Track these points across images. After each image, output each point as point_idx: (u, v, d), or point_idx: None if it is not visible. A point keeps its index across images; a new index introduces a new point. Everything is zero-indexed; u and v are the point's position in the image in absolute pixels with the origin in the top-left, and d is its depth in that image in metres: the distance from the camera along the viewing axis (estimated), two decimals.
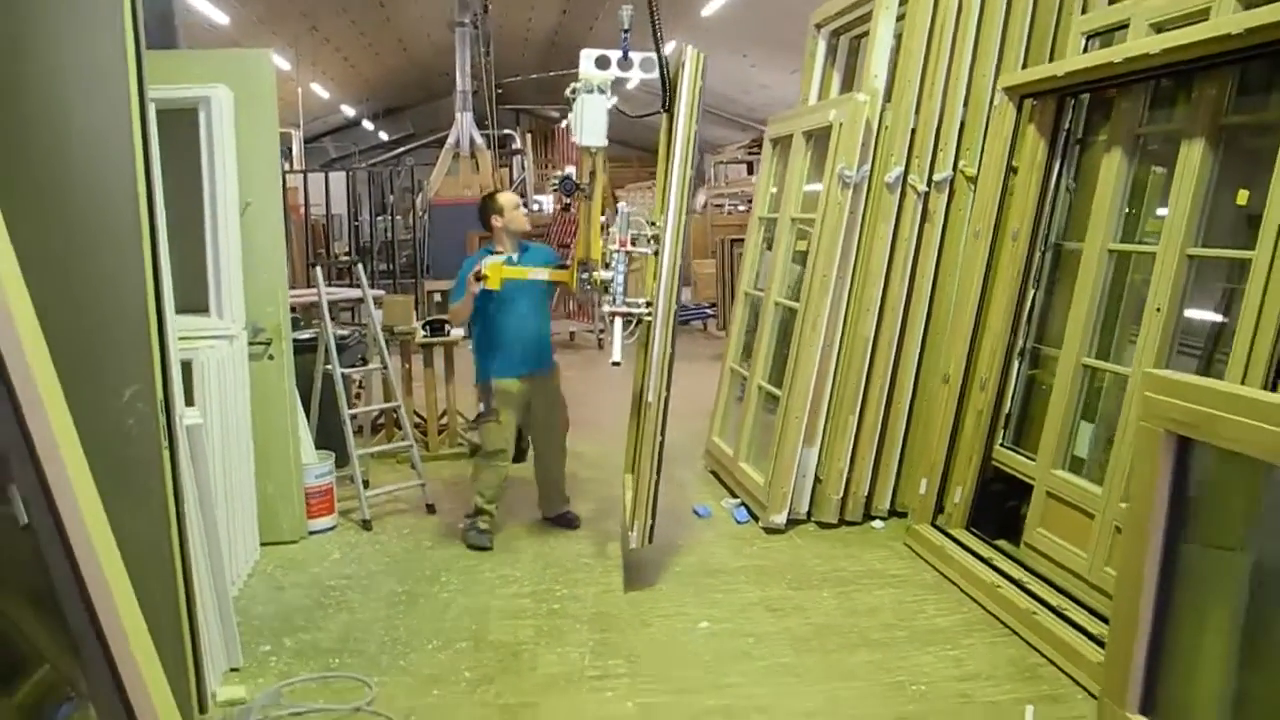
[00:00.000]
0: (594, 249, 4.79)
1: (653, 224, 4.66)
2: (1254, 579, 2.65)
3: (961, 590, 4.52)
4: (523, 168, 19.41)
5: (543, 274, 5.06)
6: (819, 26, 6.23)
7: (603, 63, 4.46)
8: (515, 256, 5.14)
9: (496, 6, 16.39)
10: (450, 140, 15.37)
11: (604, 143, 4.54)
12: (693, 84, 4.31)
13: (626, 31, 4.46)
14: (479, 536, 5.21)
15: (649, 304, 4.49)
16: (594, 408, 5.61)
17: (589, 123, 4.47)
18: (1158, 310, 3.94)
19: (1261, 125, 3.67)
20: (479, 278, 4.93)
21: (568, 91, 4.55)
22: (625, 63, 4.44)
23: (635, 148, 23.92)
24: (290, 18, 15.82)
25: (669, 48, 4.43)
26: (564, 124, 19.44)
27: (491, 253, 5.16)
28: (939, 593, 4.55)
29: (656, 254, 4.48)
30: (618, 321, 4.61)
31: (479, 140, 15.35)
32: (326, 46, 18.55)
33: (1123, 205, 4.41)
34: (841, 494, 5.42)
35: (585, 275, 4.83)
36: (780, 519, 5.34)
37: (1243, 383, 3.35)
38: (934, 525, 5.09)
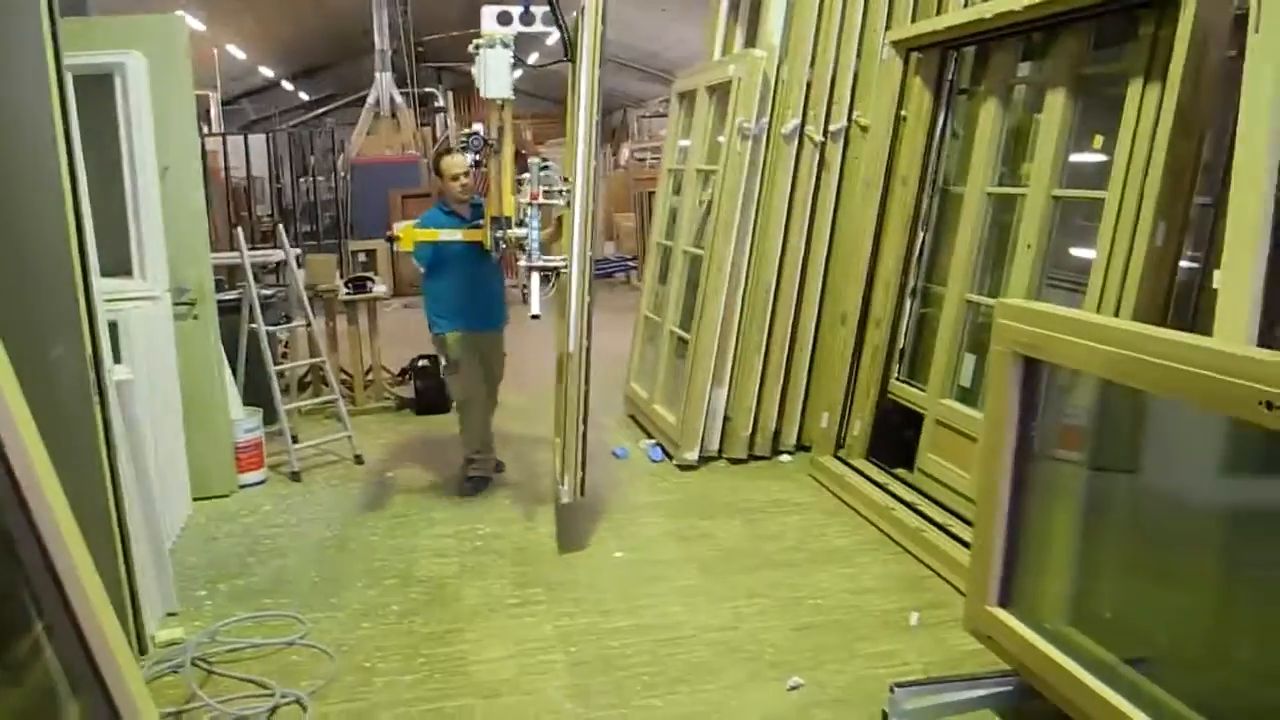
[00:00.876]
0: (506, 205, 4.81)
1: (565, 178, 4.69)
2: (1090, 486, 2.99)
3: (859, 514, 4.86)
4: (445, 125, 19.40)
5: (455, 235, 5.08)
6: None
7: (504, 18, 4.54)
8: (466, 214, 5.19)
9: None
10: (370, 100, 15.37)
11: (509, 94, 4.62)
12: (594, 32, 4.26)
13: None
14: (467, 484, 5.40)
15: (564, 258, 4.53)
16: (518, 358, 5.77)
17: (493, 75, 4.54)
18: (1028, 247, 4.27)
19: (1114, 75, 3.97)
20: (389, 239, 5.11)
21: (470, 48, 4.60)
22: (527, 17, 4.53)
23: (558, 101, 23.93)
24: None
25: (589, 3, 4.30)
26: None
27: (443, 209, 5.24)
28: (838, 517, 4.88)
29: (568, 205, 4.45)
30: (534, 276, 4.67)
31: (399, 100, 15.35)
32: (241, 6, 18.28)
33: (1000, 151, 4.72)
34: (750, 431, 5.73)
35: (499, 233, 4.83)
36: (692, 455, 5.64)
37: (1098, 309, 3.69)
38: (836, 456, 5.42)
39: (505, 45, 4.52)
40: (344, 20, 21.67)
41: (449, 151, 5.38)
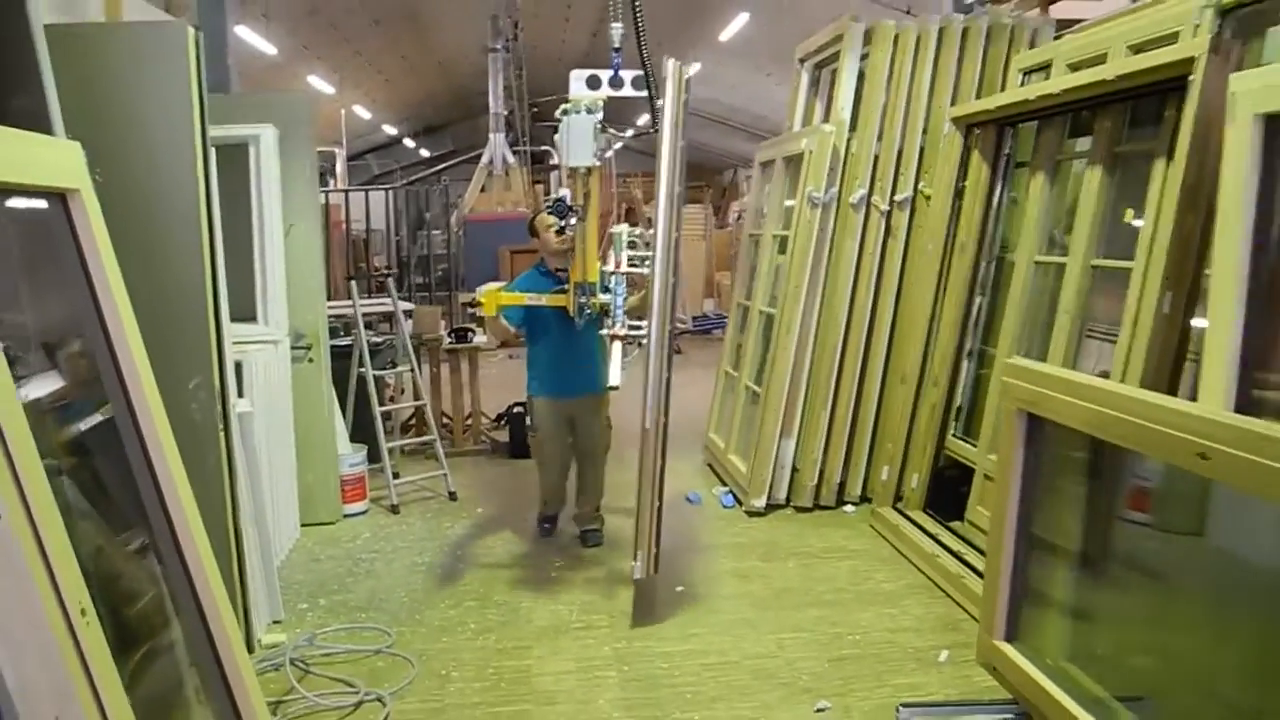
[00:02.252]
0: (590, 271, 4.81)
1: (649, 244, 4.69)
2: (1087, 532, 3.28)
3: (909, 561, 5.15)
4: (559, 182, 20.18)
5: (540, 299, 5.07)
6: (802, 60, 6.88)
7: (593, 82, 4.48)
8: (564, 276, 5.09)
9: (530, 30, 17.18)
10: (484, 160, 16.17)
11: (594, 162, 4.51)
12: (676, 98, 4.26)
13: (617, 50, 4.52)
14: (545, 526, 5.74)
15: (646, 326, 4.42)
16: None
17: (576, 143, 4.43)
18: (1065, 313, 4.56)
19: (1144, 153, 4.26)
20: (473, 305, 5.19)
21: (557, 113, 4.52)
22: (616, 81, 4.46)
23: None
24: (333, 43, 16.72)
25: (670, 65, 4.28)
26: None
27: (540, 269, 5.35)
28: (889, 564, 5.17)
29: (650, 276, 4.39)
30: (616, 345, 4.65)
31: (510, 159, 16.12)
32: (368, 69, 19.47)
33: (1048, 222, 5.02)
34: (816, 481, 6.06)
35: (584, 299, 4.81)
36: (760, 503, 5.99)
37: (1124, 373, 3.96)
38: (894, 508, 5.71)
39: (590, 111, 4.41)
40: (463, 82, 22.83)
41: (539, 211, 5.57)
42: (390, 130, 27.82)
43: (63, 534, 1.89)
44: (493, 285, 5.27)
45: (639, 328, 4.63)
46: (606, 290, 4.78)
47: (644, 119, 14.83)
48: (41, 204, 2.26)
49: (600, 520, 5.64)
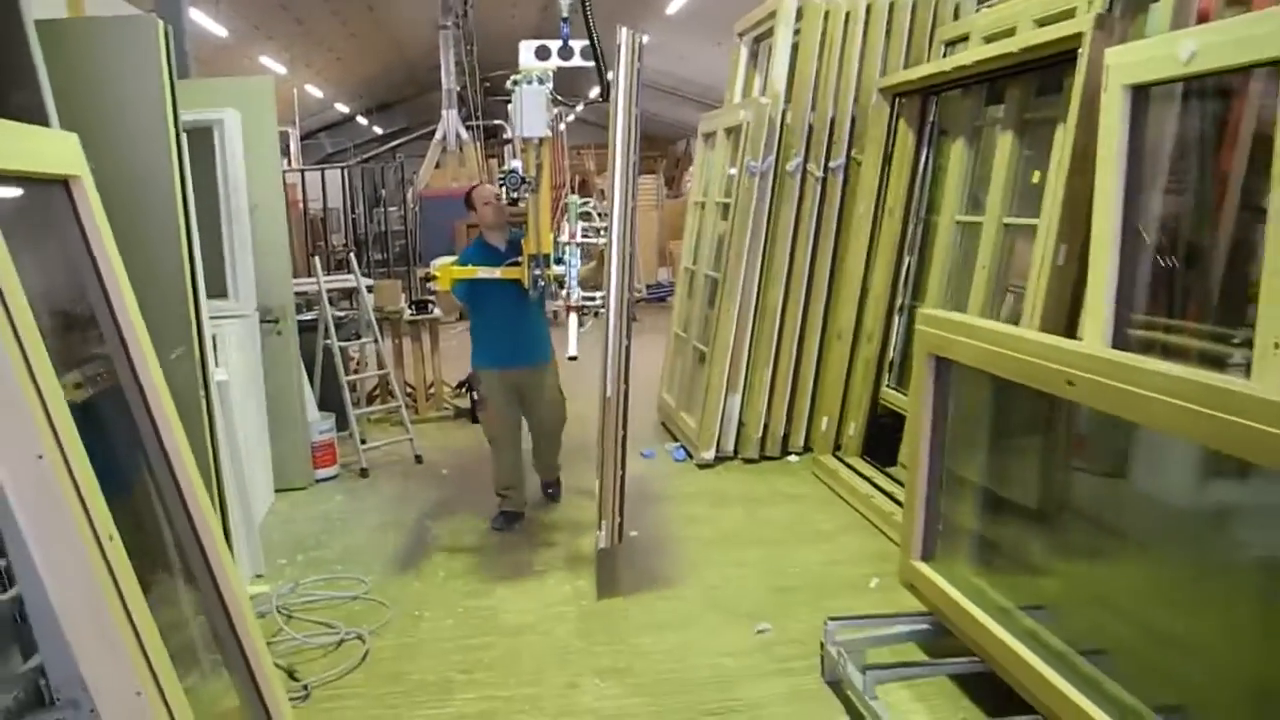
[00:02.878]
0: (544, 243, 4.82)
1: (602, 215, 4.81)
2: (989, 462, 3.67)
3: (847, 503, 5.55)
4: (513, 155, 20.38)
5: (494, 272, 5.03)
6: (741, 34, 7.21)
7: (543, 53, 4.47)
8: (503, 247, 5.20)
9: (480, 7, 17.32)
10: (437, 136, 16.37)
11: (546, 133, 4.54)
12: (630, 67, 4.21)
13: (566, 20, 4.47)
14: (497, 519, 5.46)
15: (605, 296, 4.43)
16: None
17: (529, 114, 4.45)
18: (983, 268, 4.95)
19: (1051, 119, 4.63)
20: (427, 279, 5.13)
21: (508, 84, 4.53)
22: (566, 51, 4.45)
23: None
24: (283, 23, 16.79)
25: (623, 34, 4.21)
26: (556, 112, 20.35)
27: (480, 245, 5.32)
28: (829, 507, 5.58)
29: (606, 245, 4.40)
30: (572, 315, 4.65)
31: (464, 135, 16.33)
32: (319, 48, 19.54)
33: (967, 184, 5.41)
34: (761, 434, 6.45)
35: (538, 271, 4.85)
36: (709, 455, 6.37)
37: (1030, 319, 4.35)
38: (834, 455, 6.11)
39: (542, 81, 4.43)
40: (415, 58, 22.90)
41: (476, 185, 5.54)
42: (343, 108, 27.84)
43: (90, 471, 2.21)
44: (447, 259, 5.14)
45: (593, 298, 4.64)
46: (560, 262, 4.80)
47: (596, 91, 15.10)
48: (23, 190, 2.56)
49: (559, 468, 5.81)
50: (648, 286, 15.08)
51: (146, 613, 2.29)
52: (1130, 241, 3.32)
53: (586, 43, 4.50)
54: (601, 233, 4.72)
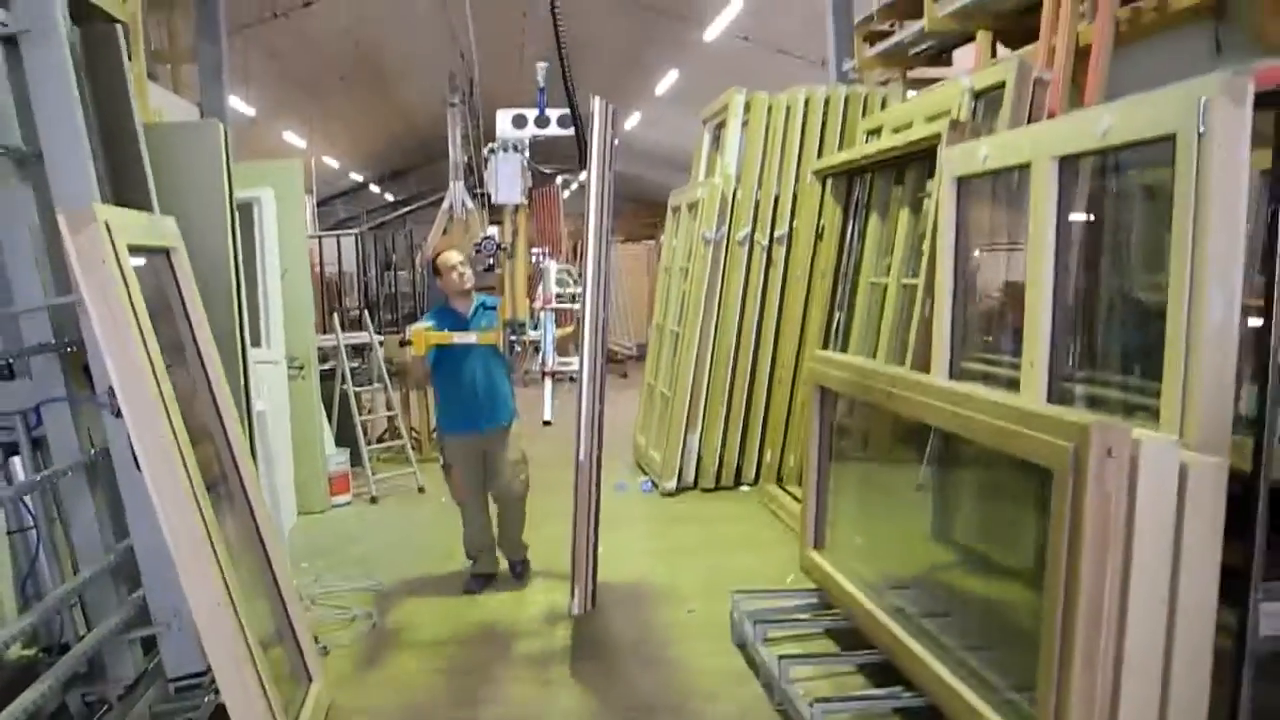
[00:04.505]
0: (519, 308, 4.93)
1: (577, 280, 5.13)
2: (862, 469, 4.69)
3: (783, 522, 6.52)
4: (513, 223, 21.56)
5: (470, 337, 5.07)
6: (704, 121, 8.33)
7: (519, 121, 4.63)
8: (468, 314, 5.29)
9: (485, 78, 18.61)
10: (444, 205, 17.53)
11: (521, 200, 4.76)
12: (602, 135, 4.22)
13: (542, 90, 4.64)
14: (472, 583, 5.55)
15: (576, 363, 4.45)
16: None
17: (504, 181, 4.64)
18: (886, 320, 5.98)
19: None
20: (403, 343, 5.14)
21: (485, 150, 4.75)
22: (542, 120, 4.62)
23: (625, 198, 26.06)
24: (304, 102, 18.12)
25: (596, 103, 4.20)
26: (559, 180, 21.50)
27: (444, 310, 5.38)
28: (768, 526, 6.56)
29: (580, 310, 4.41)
30: (548, 381, 4.73)
31: (469, 204, 17.51)
32: (336, 123, 20.86)
33: (882, 251, 6.46)
34: (717, 466, 7.46)
35: (514, 337, 4.92)
36: (672, 485, 7.38)
37: (907, 356, 5.36)
38: (777, 484, 7.11)
39: (517, 149, 4.62)
40: (424, 129, 24.21)
41: (442, 252, 5.53)
42: (356, 177, 29.20)
43: (191, 452, 3.25)
44: (422, 324, 5.17)
45: (569, 363, 4.71)
46: (536, 326, 4.91)
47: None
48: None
49: (525, 548, 5.75)
50: (637, 345, 16.12)
51: (223, 551, 3.31)
52: (961, 294, 4.36)
53: (564, 111, 4.56)
54: (576, 298, 4.75)
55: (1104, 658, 2.62)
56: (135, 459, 3.27)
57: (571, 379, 4.69)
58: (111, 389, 3.25)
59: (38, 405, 3.49)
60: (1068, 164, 3.56)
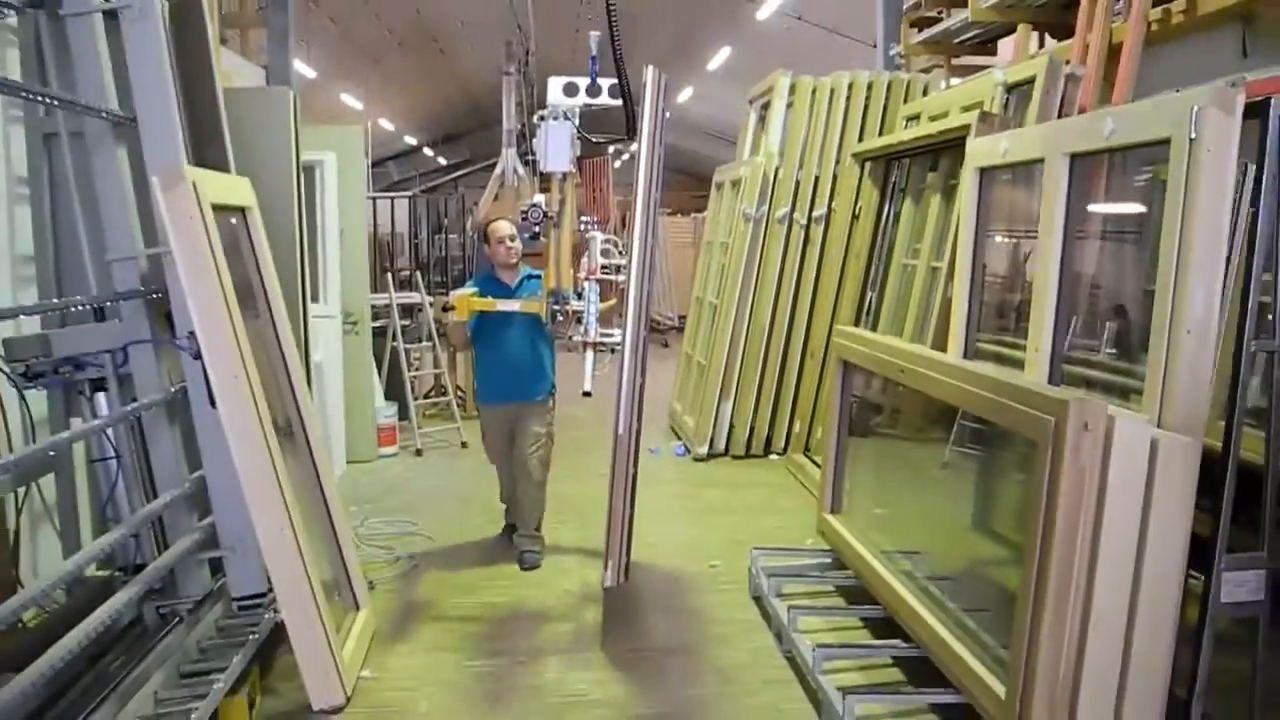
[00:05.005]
0: (564, 278, 4.85)
1: (623, 251, 4.77)
2: (882, 444, 4.96)
3: (807, 489, 6.81)
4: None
5: (513, 305, 5.10)
6: (751, 101, 8.58)
7: (571, 90, 4.55)
8: (512, 284, 5.36)
9: (541, 47, 18.90)
10: (497, 171, 17.88)
11: (569, 168, 4.66)
12: (654, 105, 4.21)
13: (594, 58, 4.56)
14: (501, 537, 5.83)
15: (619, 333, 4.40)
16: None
17: (553, 149, 4.55)
18: (915, 301, 6.24)
19: None
20: (446, 308, 5.16)
21: (534, 118, 4.71)
22: (594, 89, 4.52)
23: (674, 171, 26.26)
24: (362, 64, 18.52)
25: (649, 72, 4.18)
26: (611, 150, 21.78)
27: (489, 278, 5.44)
28: (793, 492, 6.86)
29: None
30: (589, 351, 4.64)
31: (521, 172, 17.84)
32: (392, 86, 21.26)
33: (914, 235, 6.70)
34: (748, 435, 7.76)
35: (556, 306, 4.84)
36: (703, 450, 7.69)
37: (930, 336, 5.62)
38: (804, 454, 7.40)
39: (568, 118, 4.55)
40: (479, 95, 24.60)
41: (494, 220, 5.59)
42: (411, 140, 29.63)
43: (261, 391, 3.60)
44: (466, 290, 5.23)
45: (610, 334, 4.62)
46: (580, 296, 4.80)
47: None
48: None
49: (540, 541, 5.59)
50: (679, 317, 16.40)
51: (286, 482, 3.67)
52: (978, 278, 4.62)
53: (614, 80, 4.50)
54: (620, 270, 4.70)
55: (1072, 615, 2.90)
56: (210, 397, 3.64)
57: (613, 350, 4.59)
58: (191, 333, 3.62)
59: (125, 345, 3.83)
60: (1079, 161, 3.80)
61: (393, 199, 17.44)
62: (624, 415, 4.23)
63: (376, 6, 15.72)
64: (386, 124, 24.18)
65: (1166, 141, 3.15)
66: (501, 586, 5.16)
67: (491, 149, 25.45)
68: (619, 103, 4.50)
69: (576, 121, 4.62)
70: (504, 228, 5.39)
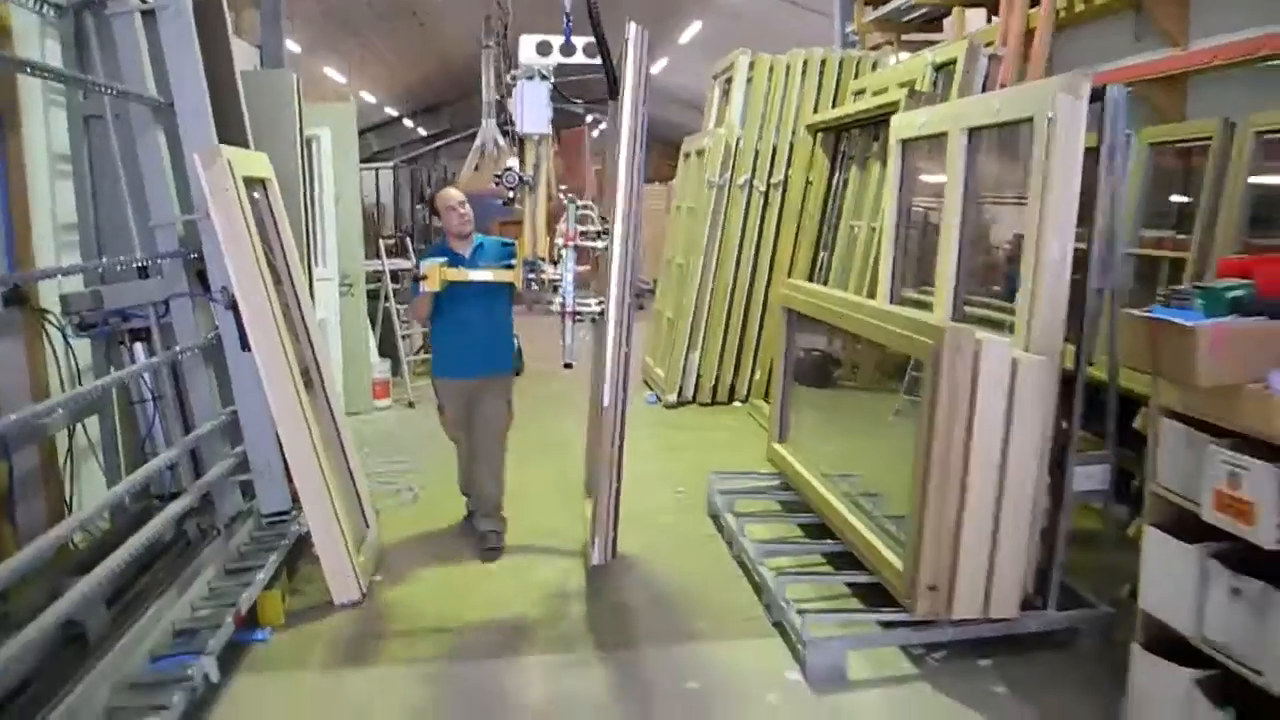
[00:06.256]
0: (540, 245, 4.64)
1: (604, 218, 4.52)
2: (837, 393, 5.68)
3: (765, 430, 7.50)
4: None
5: (486, 275, 4.89)
6: (714, 77, 9.23)
7: (544, 48, 4.28)
8: (467, 255, 5.13)
9: (518, 26, 19.46)
10: (477, 142, 18.47)
11: (547, 130, 4.44)
12: (637, 65, 4.06)
13: (568, 15, 4.32)
14: (487, 553, 5.21)
15: (600, 301, 4.31)
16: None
17: (529, 110, 4.33)
18: (858, 257, 6.94)
19: None
20: (418, 279, 4.92)
21: (507, 77, 4.50)
22: (568, 48, 4.26)
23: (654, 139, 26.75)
24: (344, 38, 19.02)
25: (631, 29, 4.02)
26: (589, 120, 22.22)
27: (444, 250, 5.17)
28: (752, 434, 7.56)
29: (607, 248, 4.24)
30: (568, 321, 4.41)
31: (501, 142, 18.43)
32: (373, 59, 21.75)
33: (859, 198, 7.39)
34: (713, 383, 8.48)
35: (532, 274, 4.60)
36: (673, 398, 8.41)
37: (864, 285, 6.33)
38: (764, 399, 8.12)
39: (544, 77, 4.33)
40: (458, 67, 25.05)
41: (442, 189, 5.42)
42: (391, 111, 30.04)
43: (288, 337, 4.28)
44: (437, 260, 4.91)
45: (588, 303, 4.41)
46: (556, 264, 4.54)
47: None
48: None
49: (502, 521, 5.39)
50: (654, 280, 17.07)
51: (310, 413, 4.36)
52: (900, 233, 5.32)
53: (589, 39, 4.21)
54: (600, 235, 4.46)
55: (950, 500, 3.63)
56: (243, 342, 4.33)
57: (593, 320, 4.45)
58: (224, 287, 4.30)
59: (166, 299, 4.50)
60: (975, 134, 4.49)
61: (376, 170, 18.02)
62: (610, 387, 4.14)
63: None
64: (368, 96, 24.66)
65: (1030, 120, 3.85)
66: None
67: (470, 119, 25.95)
68: (595, 61, 4.22)
69: (551, 79, 4.38)
70: (454, 194, 5.24)
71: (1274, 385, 2.66)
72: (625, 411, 4.30)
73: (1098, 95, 3.66)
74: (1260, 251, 4.43)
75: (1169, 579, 3.05)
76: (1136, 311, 3.09)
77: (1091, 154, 3.75)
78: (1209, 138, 4.93)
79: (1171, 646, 3.06)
